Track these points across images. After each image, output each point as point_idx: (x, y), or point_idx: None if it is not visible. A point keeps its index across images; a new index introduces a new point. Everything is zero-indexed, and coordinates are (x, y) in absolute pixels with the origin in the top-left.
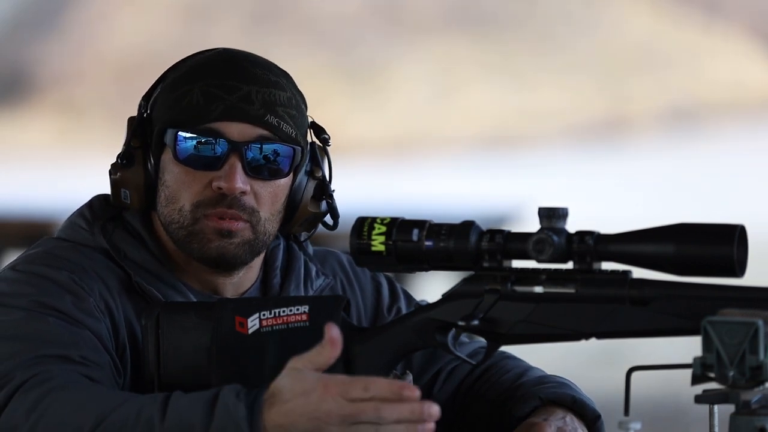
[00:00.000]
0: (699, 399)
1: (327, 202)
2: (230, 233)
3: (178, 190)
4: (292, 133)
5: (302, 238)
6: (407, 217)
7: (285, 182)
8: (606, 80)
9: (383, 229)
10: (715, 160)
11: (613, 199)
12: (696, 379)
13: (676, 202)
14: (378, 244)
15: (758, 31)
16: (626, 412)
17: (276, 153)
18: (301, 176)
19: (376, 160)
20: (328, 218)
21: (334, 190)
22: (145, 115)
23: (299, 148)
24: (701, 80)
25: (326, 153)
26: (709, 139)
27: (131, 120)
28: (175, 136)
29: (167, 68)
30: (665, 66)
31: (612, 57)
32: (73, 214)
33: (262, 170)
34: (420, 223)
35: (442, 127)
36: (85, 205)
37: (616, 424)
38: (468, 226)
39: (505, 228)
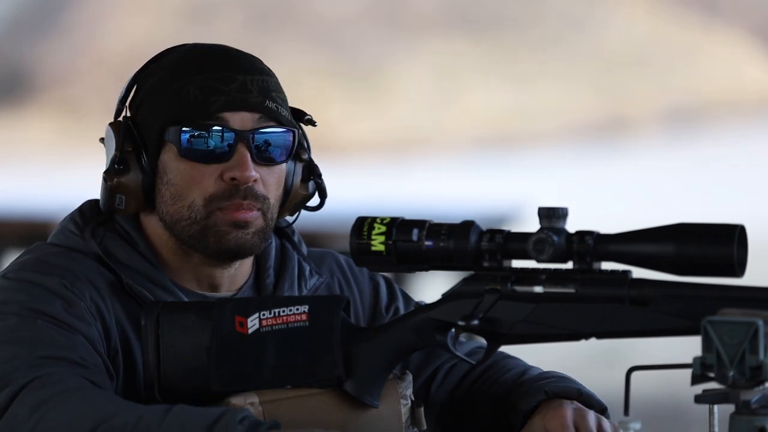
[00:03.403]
0: (699, 399)
1: (316, 182)
2: (246, 224)
3: (186, 186)
4: (287, 116)
5: (289, 221)
6: (407, 217)
7: (285, 167)
8: (606, 80)
9: (383, 229)
10: (715, 160)
11: (613, 199)
12: (696, 379)
13: (676, 202)
14: (378, 244)
15: (758, 31)
16: (626, 412)
17: (278, 137)
18: (290, 161)
19: (376, 160)
20: (311, 202)
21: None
22: (130, 119)
23: (295, 130)
24: (701, 80)
25: (304, 134)
26: (708, 139)
27: (116, 125)
28: (179, 133)
29: (137, 71)
30: (665, 66)
31: (612, 57)
32: (64, 219)
33: (267, 156)
34: (420, 223)
35: (442, 127)
36: (75, 210)
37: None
38: (468, 226)
39: (505, 228)
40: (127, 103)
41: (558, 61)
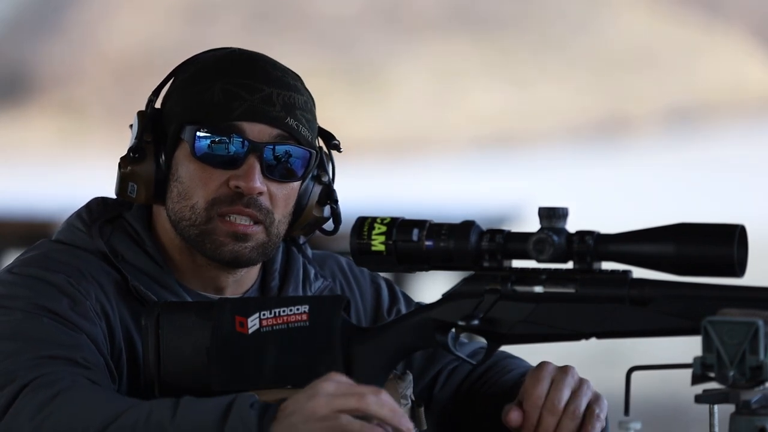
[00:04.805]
0: (699, 399)
1: (332, 207)
2: (245, 237)
3: (193, 186)
4: (308, 136)
5: (300, 242)
6: (407, 217)
7: (297, 185)
8: (606, 80)
9: (383, 229)
10: (715, 159)
11: (613, 198)
12: (696, 379)
13: (676, 202)
14: (378, 243)
15: (758, 31)
16: (626, 412)
17: (293, 155)
18: (308, 180)
19: (376, 160)
20: (326, 225)
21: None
22: (156, 110)
23: (314, 151)
24: (701, 80)
25: (331, 159)
26: (708, 139)
27: (142, 114)
28: (194, 132)
29: (177, 65)
30: (665, 66)
31: (612, 57)
32: (71, 216)
33: (279, 172)
34: (420, 223)
35: (442, 127)
36: (83, 207)
37: (616, 424)
38: (468, 226)
39: (505, 228)
40: (164, 95)
41: (558, 62)
